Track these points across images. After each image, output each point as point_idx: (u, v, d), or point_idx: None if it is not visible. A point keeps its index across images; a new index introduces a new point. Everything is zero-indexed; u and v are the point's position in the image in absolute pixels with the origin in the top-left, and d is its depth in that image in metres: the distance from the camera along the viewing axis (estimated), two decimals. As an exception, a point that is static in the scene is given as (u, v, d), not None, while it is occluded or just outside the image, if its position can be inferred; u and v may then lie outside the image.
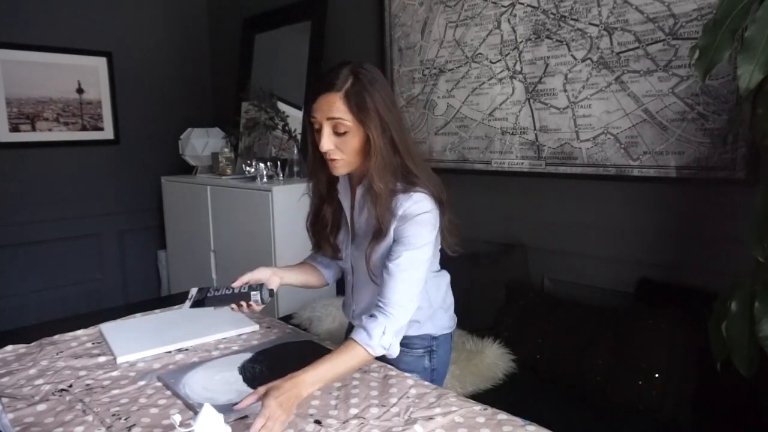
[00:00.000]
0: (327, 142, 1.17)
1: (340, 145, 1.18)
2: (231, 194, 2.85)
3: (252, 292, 1.24)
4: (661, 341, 1.63)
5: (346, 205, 1.33)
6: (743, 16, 1.10)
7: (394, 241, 1.21)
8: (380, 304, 1.19)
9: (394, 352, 1.19)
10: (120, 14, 3.38)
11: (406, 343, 1.36)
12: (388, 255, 1.22)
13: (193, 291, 1.29)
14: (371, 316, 1.19)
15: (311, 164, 1.30)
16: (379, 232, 1.21)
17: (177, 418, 0.92)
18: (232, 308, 1.26)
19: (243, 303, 1.24)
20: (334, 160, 1.20)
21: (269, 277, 1.33)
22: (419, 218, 1.18)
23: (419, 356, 1.38)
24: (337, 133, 1.17)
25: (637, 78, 1.82)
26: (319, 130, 1.19)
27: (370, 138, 1.16)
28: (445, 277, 1.43)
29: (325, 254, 1.40)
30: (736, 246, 1.60)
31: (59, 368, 1.29)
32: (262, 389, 1.05)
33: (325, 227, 1.35)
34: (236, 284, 1.28)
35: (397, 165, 1.20)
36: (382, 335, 1.16)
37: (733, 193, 1.66)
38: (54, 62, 3.16)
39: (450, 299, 1.45)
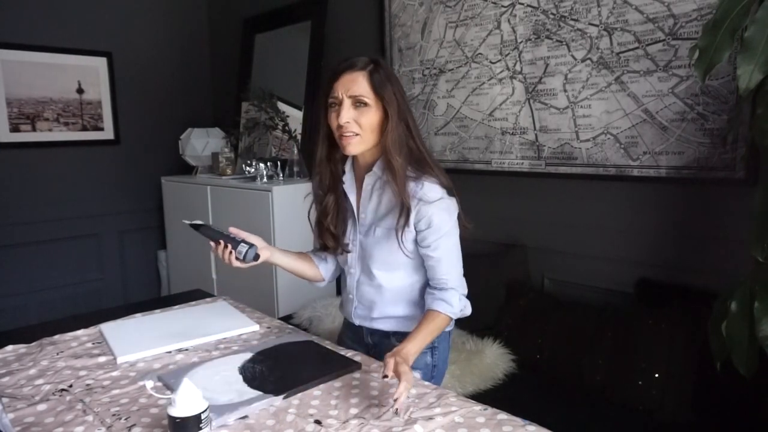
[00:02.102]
0: (346, 115, 1.22)
1: (359, 119, 1.23)
2: (231, 194, 2.85)
3: (241, 243, 1.29)
4: (661, 341, 1.63)
5: (352, 197, 1.36)
6: (743, 16, 1.10)
7: (424, 228, 1.27)
8: (440, 283, 1.29)
9: (467, 312, 1.34)
10: (120, 14, 3.38)
11: None
12: (420, 244, 1.30)
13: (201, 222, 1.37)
14: (436, 290, 1.29)
15: (319, 154, 1.35)
16: (402, 208, 1.25)
17: (149, 384, 1.02)
18: (216, 244, 1.31)
19: (229, 247, 1.29)
20: (349, 136, 1.24)
21: (261, 248, 1.37)
22: (438, 204, 1.25)
23: (422, 353, 1.39)
24: (357, 107, 1.23)
25: (637, 78, 1.82)
26: (337, 106, 1.24)
27: (389, 113, 1.23)
28: None
29: (328, 247, 1.42)
30: (736, 246, 1.60)
31: (59, 368, 1.28)
32: (393, 358, 1.10)
33: (326, 217, 1.38)
34: (233, 231, 1.33)
35: (412, 148, 1.27)
36: (459, 301, 1.29)
37: (733, 193, 1.66)
38: (54, 62, 3.16)
39: None
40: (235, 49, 3.48)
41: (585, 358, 1.74)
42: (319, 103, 1.32)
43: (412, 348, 1.18)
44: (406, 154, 1.26)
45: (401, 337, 1.39)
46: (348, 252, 1.39)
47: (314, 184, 1.40)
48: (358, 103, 1.23)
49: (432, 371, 1.41)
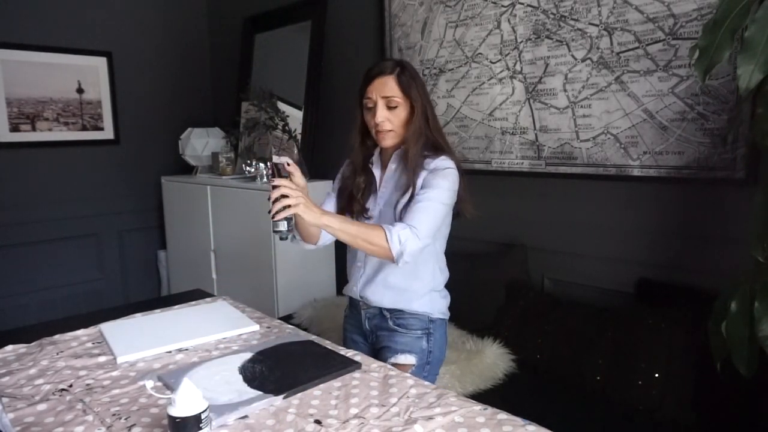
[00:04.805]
0: (381, 115, 1.44)
1: (391, 117, 1.45)
2: (231, 194, 2.85)
3: (284, 222, 1.29)
4: (661, 341, 1.63)
5: (377, 173, 1.57)
6: (743, 16, 1.10)
7: (422, 187, 1.43)
8: (403, 221, 1.38)
9: (406, 249, 1.33)
10: (120, 14, 3.38)
11: (405, 324, 1.51)
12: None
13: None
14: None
15: (354, 142, 1.56)
16: (408, 187, 1.45)
17: (149, 384, 1.03)
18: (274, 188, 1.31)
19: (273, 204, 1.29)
20: (384, 131, 1.46)
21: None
22: (444, 171, 1.43)
23: (418, 337, 1.51)
24: (389, 108, 1.44)
25: (637, 78, 1.82)
26: (373, 108, 1.45)
27: (415, 108, 1.44)
28: (447, 270, 1.60)
29: (353, 212, 1.57)
30: (736, 246, 1.60)
31: (59, 368, 1.29)
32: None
33: (358, 192, 1.56)
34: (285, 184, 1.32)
35: (429, 137, 1.48)
36: (403, 229, 1.34)
37: (733, 193, 1.66)
38: (54, 62, 3.16)
39: (446, 292, 1.60)
40: (235, 49, 3.48)
41: (585, 358, 1.74)
42: (355, 102, 1.52)
43: (326, 213, 1.32)
44: (423, 142, 1.46)
45: (398, 316, 1.52)
46: (368, 218, 1.54)
47: (345, 165, 1.62)
48: (390, 103, 1.43)
49: (428, 357, 1.52)
